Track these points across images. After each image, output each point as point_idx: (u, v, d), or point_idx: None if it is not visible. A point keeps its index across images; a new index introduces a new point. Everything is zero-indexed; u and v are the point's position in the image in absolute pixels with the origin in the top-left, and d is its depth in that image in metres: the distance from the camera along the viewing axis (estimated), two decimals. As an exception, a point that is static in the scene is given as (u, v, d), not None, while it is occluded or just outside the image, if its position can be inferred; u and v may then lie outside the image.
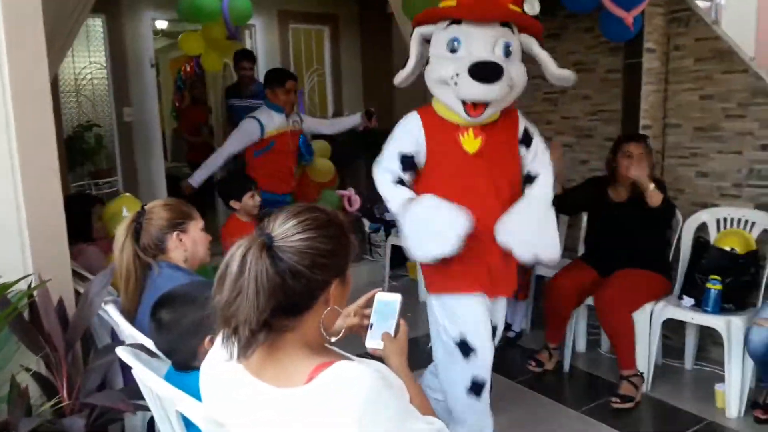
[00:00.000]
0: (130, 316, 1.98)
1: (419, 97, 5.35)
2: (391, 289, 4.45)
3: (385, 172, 2.26)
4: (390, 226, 5.21)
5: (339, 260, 1.10)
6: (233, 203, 3.43)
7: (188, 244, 2.05)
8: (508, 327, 3.83)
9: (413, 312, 4.09)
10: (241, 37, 5.49)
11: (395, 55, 5.63)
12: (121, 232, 2.00)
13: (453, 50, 2.16)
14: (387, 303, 1.32)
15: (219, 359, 1.12)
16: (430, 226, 2.15)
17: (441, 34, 2.21)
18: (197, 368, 1.39)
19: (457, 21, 2.16)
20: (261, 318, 1.00)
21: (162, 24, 5.99)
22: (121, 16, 4.96)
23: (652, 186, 2.96)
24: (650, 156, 3.14)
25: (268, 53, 5.74)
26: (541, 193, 2.37)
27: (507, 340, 3.73)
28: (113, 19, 4.92)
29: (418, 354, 3.66)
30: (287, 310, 1.04)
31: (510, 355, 3.60)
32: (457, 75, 2.11)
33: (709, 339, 3.28)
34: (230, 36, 4.73)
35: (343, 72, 6.16)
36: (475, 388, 2.34)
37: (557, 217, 3.16)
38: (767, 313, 2.68)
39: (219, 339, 1.13)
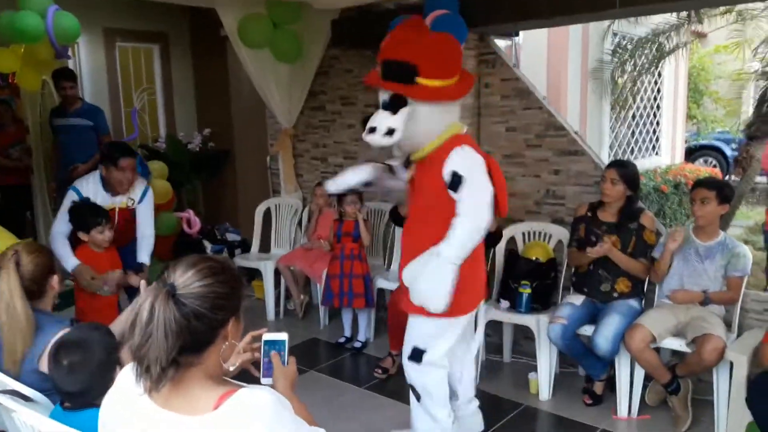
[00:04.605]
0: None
1: (258, 114, 5.53)
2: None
3: None
4: (233, 247, 5.28)
5: (234, 301, 1.30)
6: (80, 234, 3.25)
7: (56, 286, 2.11)
8: (353, 338, 4.15)
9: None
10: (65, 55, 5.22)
11: (231, 75, 5.70)
12: (12, 283, 1.95)
13: None
14: (275, 342, 1.57)
15: (124, 394, 1.27)
16: None
17: None
18: (91, 406, 1.54)
19: None
20: (170, 356, 1.18)
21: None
22: None
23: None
24: None
25: (93, 71, 5.53)
26: (441, 250, 2.50)
27: (353, 350, 4.06)
28: None
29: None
30: (192, 348, 1.22)
31: (357, 364, 3.92)
32: None
33: (522, 334, 3.87)
34: (58, 56, 4.51)
35: (175, 91, 6.10)
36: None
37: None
38: (561, 312, 3.25)
39: (120, 377, 1.30)
